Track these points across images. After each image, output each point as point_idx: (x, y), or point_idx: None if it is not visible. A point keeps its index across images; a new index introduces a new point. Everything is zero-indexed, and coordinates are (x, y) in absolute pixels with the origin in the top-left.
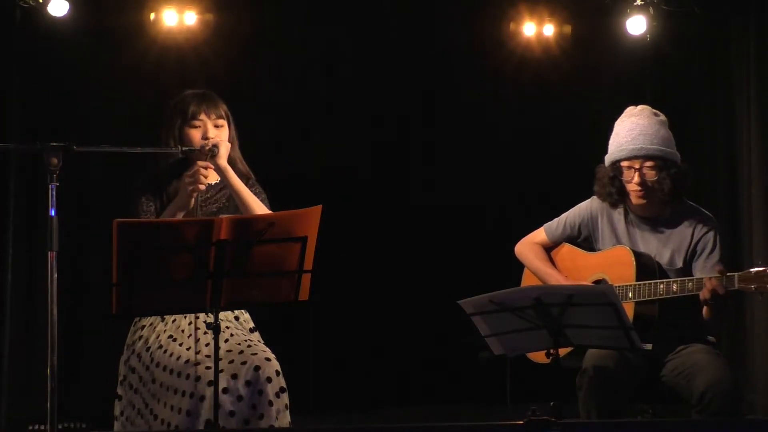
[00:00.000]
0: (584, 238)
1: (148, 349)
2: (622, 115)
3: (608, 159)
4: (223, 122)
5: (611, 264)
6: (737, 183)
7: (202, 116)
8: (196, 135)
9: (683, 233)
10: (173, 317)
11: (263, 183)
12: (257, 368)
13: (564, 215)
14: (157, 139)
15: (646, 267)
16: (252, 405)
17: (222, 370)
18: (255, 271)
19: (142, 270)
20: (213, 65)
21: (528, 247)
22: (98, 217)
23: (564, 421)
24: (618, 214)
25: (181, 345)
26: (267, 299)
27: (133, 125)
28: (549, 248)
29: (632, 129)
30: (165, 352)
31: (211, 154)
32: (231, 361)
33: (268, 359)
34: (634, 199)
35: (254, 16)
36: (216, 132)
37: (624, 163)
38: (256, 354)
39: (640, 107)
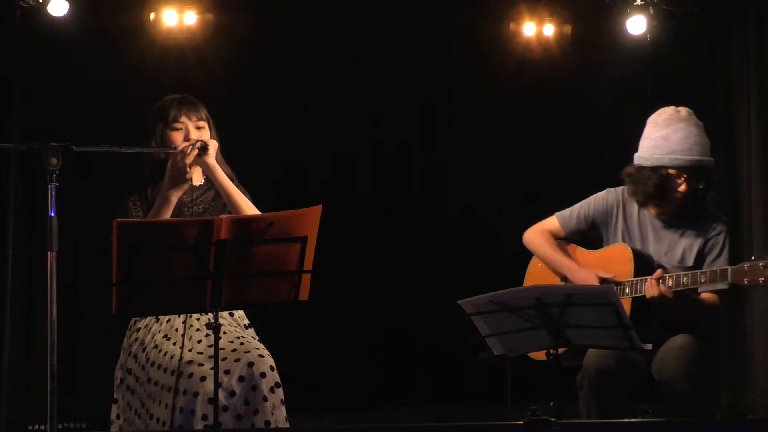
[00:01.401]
0: (594, 231)
1: (144, 349)
2: (664, 116)
3: (653, 162)
4: (203, 124)
5: (611, 261)
6: (737, 183)
7: (183, 119)
8: (178, 137)
9: (695, 233)
10: (167, 317)
11: (262, 182)
12: (251, 364)
13: (578, 206)
14: (139, 144)
15: (644, 263)
16: (245, 400)
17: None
18: (255, 271)
19: (142, 270)
20: (213, 65)
21: (538, 234)
22: (98, 217)
23: (564, 421)
24: (633, 209)
25: (174, 344)
26: (267, 299)
27: (133, 125)
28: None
29: (687, 137)
30: (160, 351)
31: (202, 149)
32: (224, 359)
33: (261, 356)
34: (675, 204)
35: (254, 16)
36: (198, 134)
37: (672, 171)
38: (249, 351)
39: (685, 111)
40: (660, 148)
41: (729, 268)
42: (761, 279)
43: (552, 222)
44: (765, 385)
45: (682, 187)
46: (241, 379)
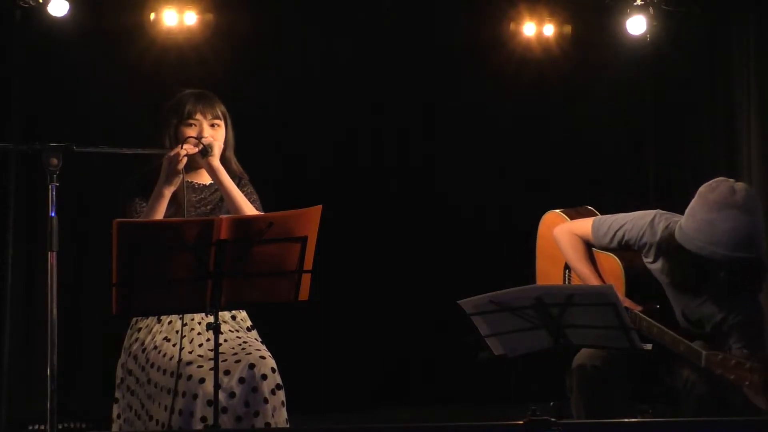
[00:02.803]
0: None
1: (144, 350)
2: (716, 196)
3: (693, 249)
4: (219, 122)
5: (603, 271)
6: None
7: (198, 115)
8: (191, 134)
9: (717, 307)
10: (168, 319)
11: (263, 183)
12: (252, 366)
13: (617, 224)
14: (151, 139)
15: (637, 282)
16: (245, 402)
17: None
18: (255, 271)
19: (142, 270)
20: (213, 65)
21: (568, 238)
22: (98, 217)
23: (564, 421)
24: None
25: (174, 346)
26: (267, 299)
27: (133, 125)
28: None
29: (735, 229)
30: (159, 353)
31: (204, 152)
32: (224, 360)
33: (263, 357)
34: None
35: (254, 16)
36: (211, 131)
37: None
38: (250, 353)
39: (742, 193)
40: (703, 233)
41: (704, 352)
42: (732, 376)
43: (586, 229)
44: None
45: (722, 278)
46: (241, 380)
